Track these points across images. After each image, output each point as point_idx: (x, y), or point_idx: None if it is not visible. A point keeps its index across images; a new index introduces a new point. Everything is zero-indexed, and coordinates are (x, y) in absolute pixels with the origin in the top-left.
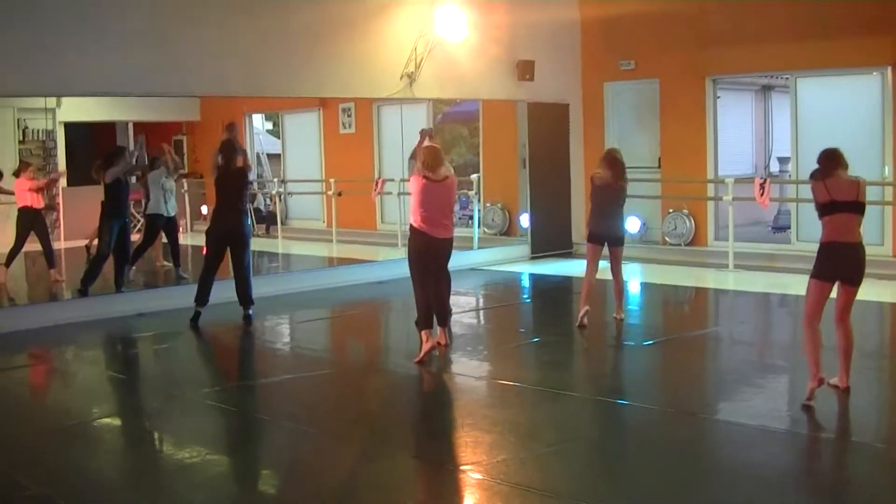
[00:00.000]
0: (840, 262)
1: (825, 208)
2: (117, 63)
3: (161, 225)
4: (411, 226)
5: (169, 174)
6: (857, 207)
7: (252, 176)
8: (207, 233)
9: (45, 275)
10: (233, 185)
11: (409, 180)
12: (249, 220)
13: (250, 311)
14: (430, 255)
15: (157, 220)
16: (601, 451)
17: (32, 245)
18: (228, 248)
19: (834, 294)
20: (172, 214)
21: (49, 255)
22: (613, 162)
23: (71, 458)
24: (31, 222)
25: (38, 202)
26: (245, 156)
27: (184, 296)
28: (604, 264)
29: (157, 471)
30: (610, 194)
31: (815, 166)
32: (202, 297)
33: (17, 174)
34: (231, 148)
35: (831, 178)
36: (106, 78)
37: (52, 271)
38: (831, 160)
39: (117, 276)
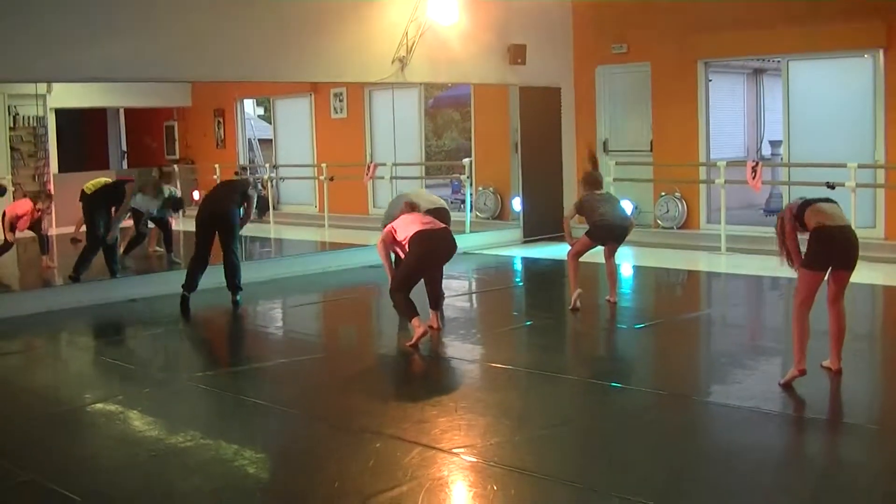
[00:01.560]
0: (835, 249)
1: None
2: (108, 49)
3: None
4: (412, 237)
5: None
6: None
7: (244, 161)
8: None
9: (36, 261)
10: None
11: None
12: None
13: (238, 297)
14: (436, 252)
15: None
16: (594, 433)
17: (23, 232)
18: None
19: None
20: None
21: (42, 242)
22: (595, 183)
23: (63, 443)
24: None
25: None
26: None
27: (176, 281)
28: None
29: (149, 455)
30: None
31: (806, 149)
32: (190, 283)
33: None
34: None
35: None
36: (96, 64)
37: (44, 257)
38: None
39: (109, 262)
